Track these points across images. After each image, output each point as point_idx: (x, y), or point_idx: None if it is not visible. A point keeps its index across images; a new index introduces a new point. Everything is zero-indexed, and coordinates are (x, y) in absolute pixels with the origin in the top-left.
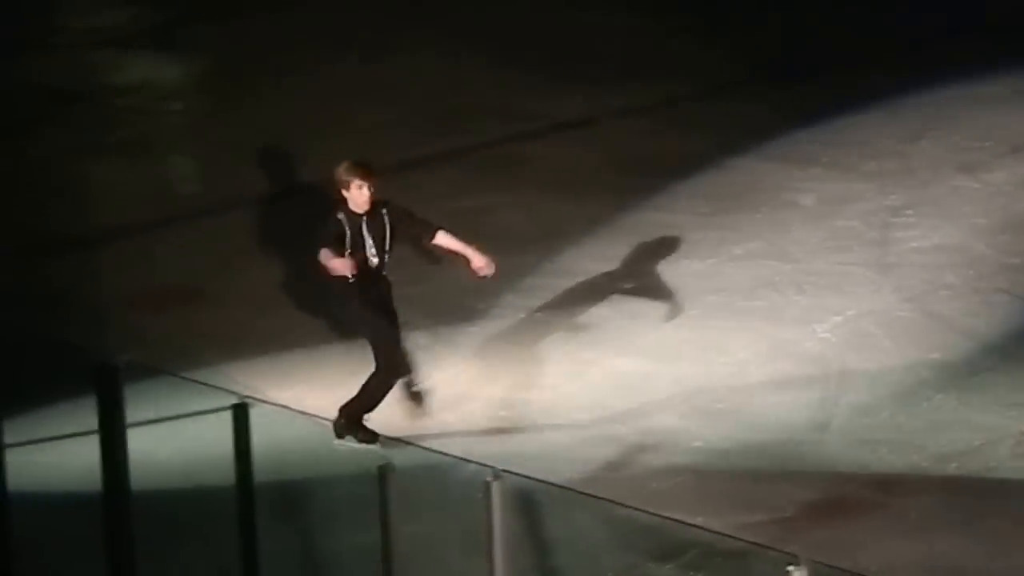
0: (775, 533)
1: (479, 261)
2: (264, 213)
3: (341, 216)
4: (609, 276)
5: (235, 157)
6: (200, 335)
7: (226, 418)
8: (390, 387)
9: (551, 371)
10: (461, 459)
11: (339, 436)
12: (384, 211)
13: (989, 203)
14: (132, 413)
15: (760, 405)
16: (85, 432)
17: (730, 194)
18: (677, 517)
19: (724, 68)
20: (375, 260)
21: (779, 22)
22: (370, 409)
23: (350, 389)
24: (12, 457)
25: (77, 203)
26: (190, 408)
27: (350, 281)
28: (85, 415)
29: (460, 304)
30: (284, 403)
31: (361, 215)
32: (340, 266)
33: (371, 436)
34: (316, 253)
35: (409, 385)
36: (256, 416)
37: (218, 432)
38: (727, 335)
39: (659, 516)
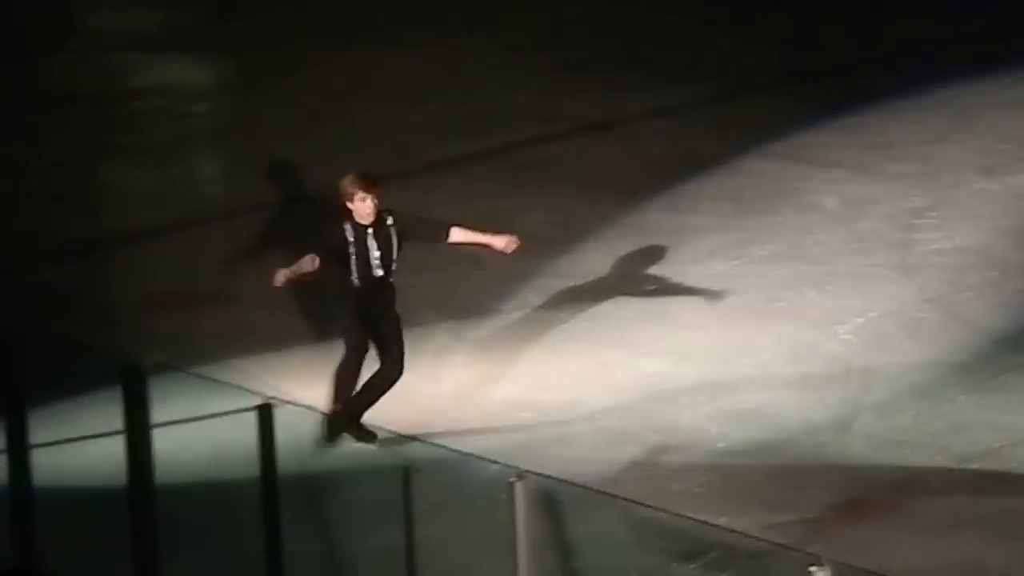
0: (798, 533)
1: (500, 242)
2: (287, 215)
3: (347, 227)
4: (632, 277)
5: (257, 159)
6: (219, 336)
7: (250, 418)
8: (384, 391)
9: (574, 371)
10: (484, 459)
11: (335, 434)
12: (389, 221)
13: (1011, 205)
14: (156, 413)
15: (783, 406)
16: (110, 432)
17: (753, 196)
18: (700, 518)
19: (748, 70)
20: (380, 271)
21: (803, 24)
22: (362, 410)
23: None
24: (38, 458)
25: (98, 205)
26: (212, 408)
27: (356, 287)
28: (107, 416)
29: (483, 305)
30: (303, 403)
31: (367, 226)
32: (272, 274)
33: (369, 435)
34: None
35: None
36: (278, 416)
37: (242, 432)
38: (750, 336)
39: (682, 516)
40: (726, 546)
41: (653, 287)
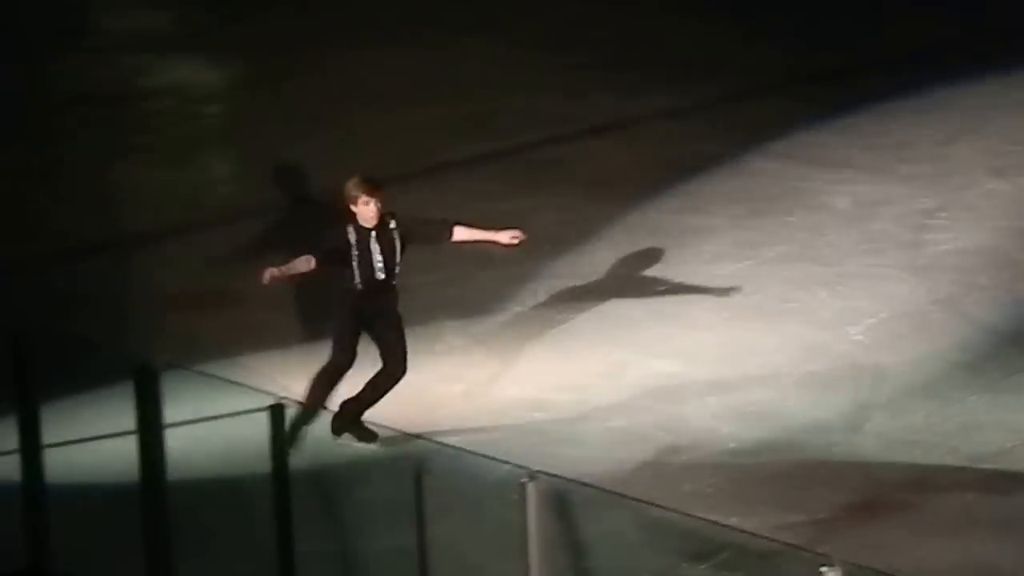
0: (809, 534)
1: (504, 237)
2: (298, 215)
3: (350, 230)
4: (642, 278)
5: (266, 160)
6: (229, 336)
7: (262, 418)
8: (386, 390)
9: (584, 372)
10: (496, 460)
11: (336, 434)
12: (392, 225)
13: (1021, 206)
14: (169, 413)
15: (793, 406)
16: (122, 432)
17: (764, 197)
18: (711, 518)
19: (759, 70)
20: (383, 274)
21: (814, 24)
22: (363, 409)
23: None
24: (49, 456)
25: (109, 205)
26: (225, 408)
27: (358, 290)
28: (119, 415)
29: (493, 305)
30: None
31: (370, 229)
32: (261, 272)
33: (370, 435)
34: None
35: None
36: (290, 415)
37: (254, 432)
38: (760, 337)
39: (693, 517)
40: (737, 546)
41: (663, 288)
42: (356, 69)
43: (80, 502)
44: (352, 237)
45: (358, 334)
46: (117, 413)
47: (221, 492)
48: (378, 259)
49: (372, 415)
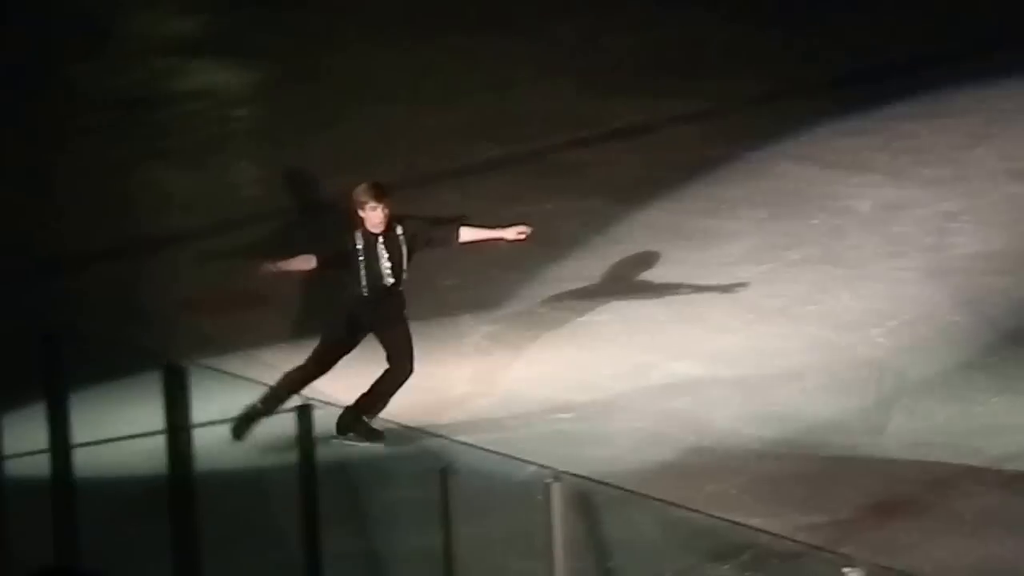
0: (831, 535)
1: (511, 233)
2: (323, 217)
3: (358, 235)
4: (667, 280)
5: (296, 162)
6: (260, 337)
7: (289, 419)
8: (392, 391)
9: (609, 373)
10: (521, 460)
11: (342, 433)
12: (399, 231)
13: None
14: (196, 413)
15: (816, 407)
16: (152, 432)
17: (787, 200)
18: (734, 519)
19: (782, 74)
20: (390, 280)
21: (836, 27)
22: (369, 409)
23: (406, 389)
24: (79, 456)
25: (141, 207)
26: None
27: (363, 298)
28: (146, 414)
29: (519, 307)
30: (344, 403)
31: (377, 235)
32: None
33: (376, 435)
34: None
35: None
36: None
37: (282, 432)
38: (783, 339)
39: (716, 517)
40: (759, 547)
41: (687, 290)
42: (382, 72)
43: (108, 501)
44: (359, 243)
45: (344, 352)
46: (144, 412)
47: (246, 491)
48: (386, 265)
49: (399, 415)
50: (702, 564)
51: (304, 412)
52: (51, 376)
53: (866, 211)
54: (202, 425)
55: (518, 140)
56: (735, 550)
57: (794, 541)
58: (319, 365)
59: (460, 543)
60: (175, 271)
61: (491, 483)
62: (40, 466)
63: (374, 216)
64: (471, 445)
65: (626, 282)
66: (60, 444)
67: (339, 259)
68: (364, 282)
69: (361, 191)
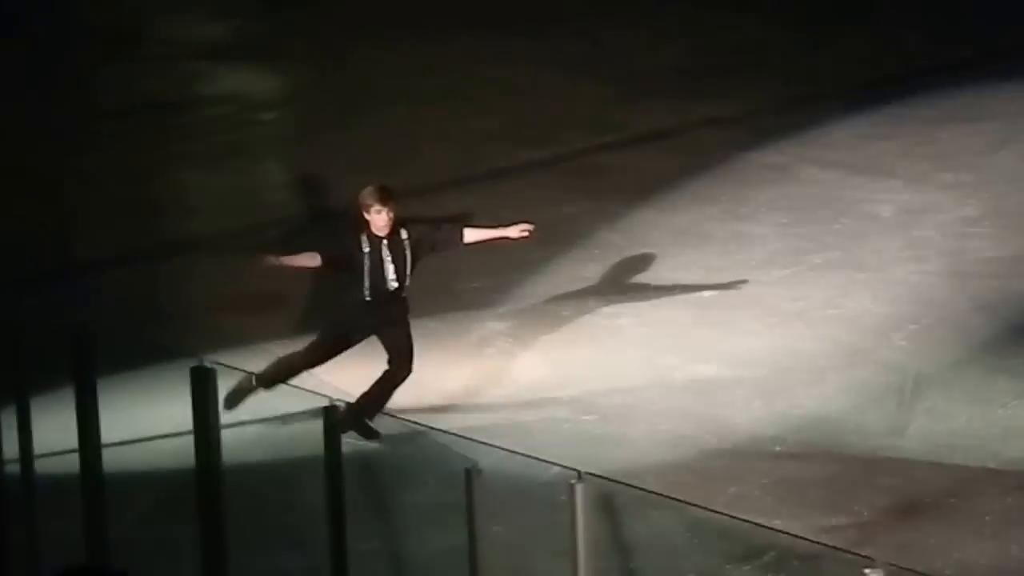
0: (852, 536)
1: (514, 232)
2: (349, 220)
3: (363, 238)
4: (690, 284)
5: (322, 166)
6: (285, 339)
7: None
8: (391, 391)
9: (633, 376)
10: (544, 461)
11: (341, 431)
12: (404, 235)
13: None
14: (224, 413)
15: (837, 410)
16: (179, 433)
17: (810, 204)
18: (755, 520)
19: (805, 80)
20: (394, 283)
21: (859, 35)
22: (369, 407)
23: (432, 391)
24: (107, 454)
25: (169, 209)
26: (280, 409)
27: (365, 302)
28: (175, 413)
29: (543, 309)
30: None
31: (382, 238)
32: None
33: (373, 434)
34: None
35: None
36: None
37: (308, 433)
38: (806, 342)
39: (737, 519)
40: (781, 548)
41: (710, 293)
42: (409, 75)
43: (135, 499)
44: (365, 246)
45: (336, 353)
46: (172, 411)
47: (272, 489)
48: (390, 268)
49: (425, 417)
50: (724, 565)
51: (330, 412)
52: (81, 374)
53: (888, 216)
54: (231, 426)
55: (545, 143)
56: (757, 551)
57: (815, 542)
58: (308, 361)
59: (484, 543)
60: (203, 273)
61: (515, 483)
62: (69, 464)
63: (379, 219)
64: (495, 446)
65: (650, 285)
66: (89, 443)
67: (345, 260)
68: (367, 285)
69: (367, 194)
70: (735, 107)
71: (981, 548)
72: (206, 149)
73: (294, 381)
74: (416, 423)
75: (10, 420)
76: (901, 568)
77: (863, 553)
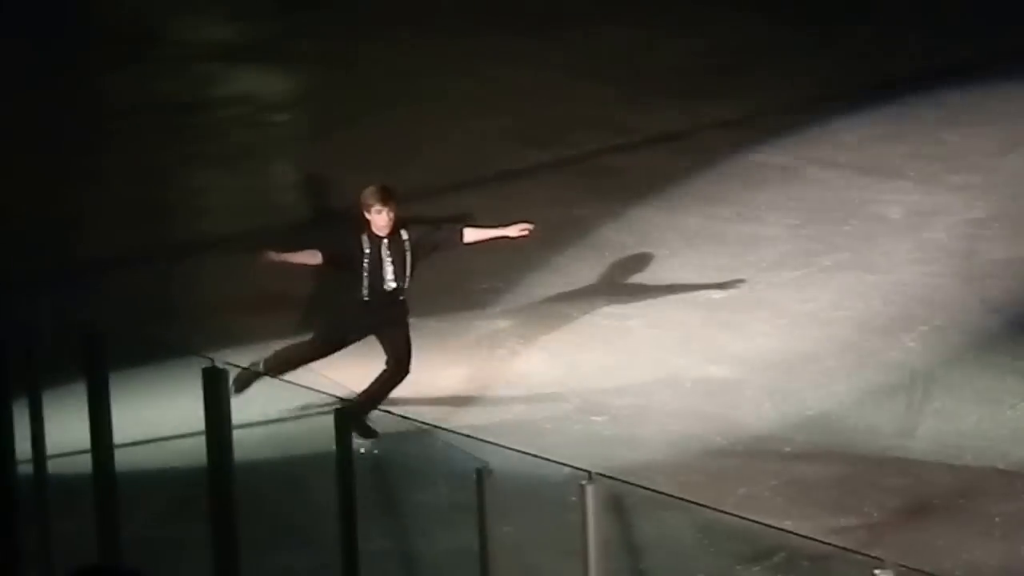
0: (862, 537)
1: (514, 231)
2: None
3: (364, 239)
4: (701, 285)
5: (334, 167)
6: (291, 338)
7: (327, 420)
8: (388, 390)
9: (642, 376)
10: (555, 462)
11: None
12: (404, 236)
13: None
14: (236, 414)
15: (847, 412)
16: (191, 433)
17: (820, 206)
18: (765, 521)
19: (813, 81)
20: (393, 284)
21: (869, 37)
22: (367, 406)
23: (441, 392)
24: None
25: (182, 210)
26: (290, 409)
27: (363, 303)
28: (187, 413)
29: (554, 310)
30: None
31: (382, 238)
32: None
33: (371, 432)
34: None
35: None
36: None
37: (319, 433)
38: (815, 344)
39: (748, 520)
40: (791, 549)
41: (720, 294)
42: (421, 76)
43: (147, 498)
44: (366, 246)
45: (331, 352)
46: (181, 411)
47: (283, 489)
48: (388, 269)
49: (434, 417)
50: (734, 566)
51: (342, 414)
52: (93, 374)
53: (898, 217)
54: (242, 426)
55: (556, 144)
56: (767, 552)
57: (825, 543)
58: (303, 359)
59: (495, 543)
60: (215, 273)
61: (526, 484)
62: (81, 464)
63: (380, 219)
64: (506, 447)
65: (660, 286)
66: (101, 443)
67: (345, 259)
68: (366, 285)
69: (368, 194)
70: (744, 108)
71: (990, 549)
72: (219, 150)
73: (306, 383)
74: (426, 423)
75: (23, 420)
76: (910, 569)
77: (873, 554)
